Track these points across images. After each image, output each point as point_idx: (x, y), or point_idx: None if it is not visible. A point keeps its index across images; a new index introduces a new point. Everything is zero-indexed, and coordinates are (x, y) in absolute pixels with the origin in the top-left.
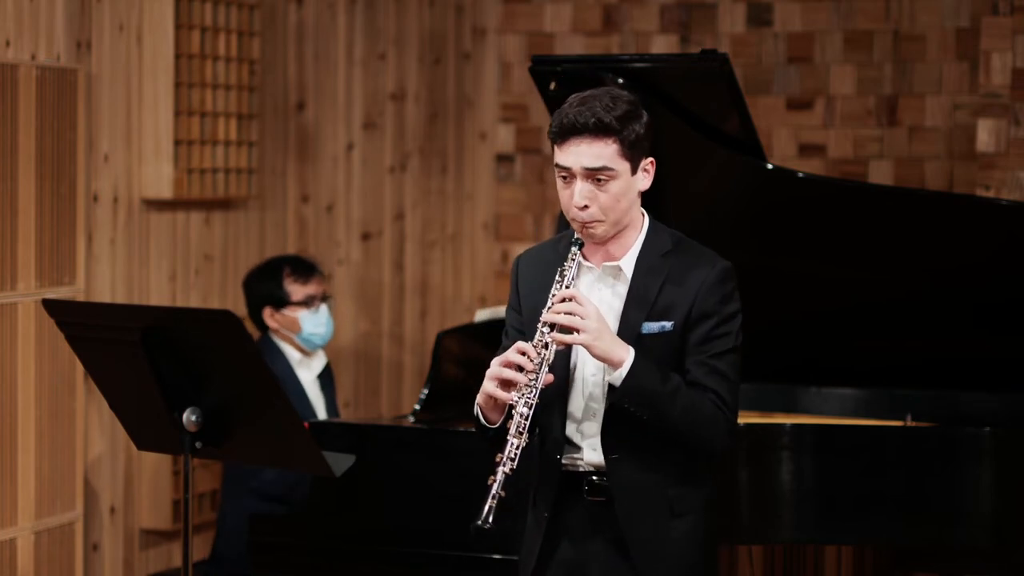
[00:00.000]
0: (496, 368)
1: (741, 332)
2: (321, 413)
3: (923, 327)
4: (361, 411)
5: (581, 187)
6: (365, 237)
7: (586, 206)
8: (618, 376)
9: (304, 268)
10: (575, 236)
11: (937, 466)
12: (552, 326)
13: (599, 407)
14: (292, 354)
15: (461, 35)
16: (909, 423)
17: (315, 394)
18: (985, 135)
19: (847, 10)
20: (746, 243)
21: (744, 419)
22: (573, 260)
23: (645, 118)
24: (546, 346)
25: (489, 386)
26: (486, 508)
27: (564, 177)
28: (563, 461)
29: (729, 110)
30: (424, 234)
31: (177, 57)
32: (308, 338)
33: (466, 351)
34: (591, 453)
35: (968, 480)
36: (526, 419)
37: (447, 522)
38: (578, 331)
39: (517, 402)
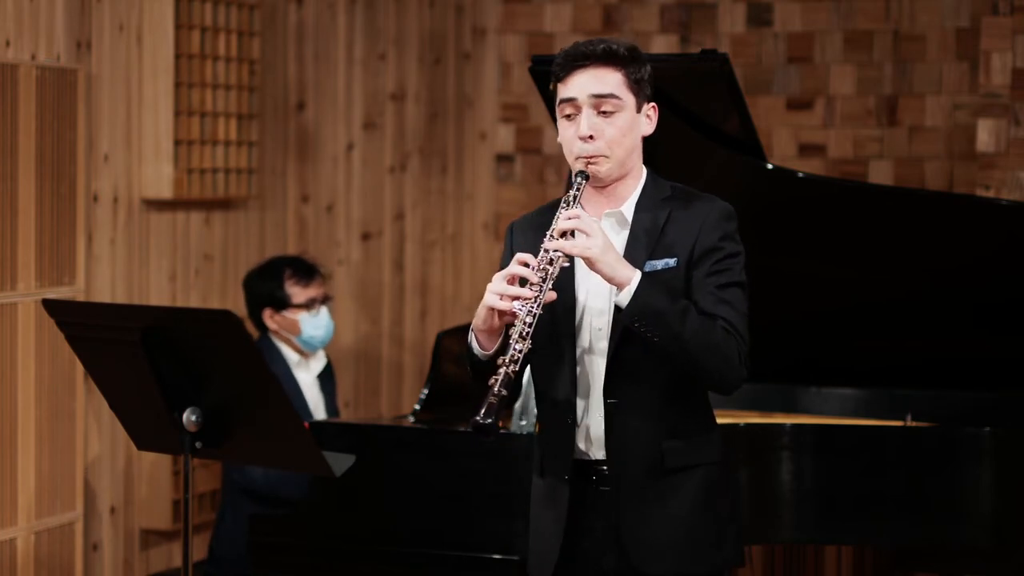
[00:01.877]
0: (499, 283)
1: (744, 272)
2: (320, 413)
3: (923, 327)
4: (361, 411)
5: (587, 116)
6: (365, 237)
7: (591, 136)
8: (625, 295)
9: (306, 270)
10: (579, 169)
11: (937, 466)
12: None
13: (603, 364)
14: (290, 356)
15: (461, 35)
16: (909, 423)
17: (314, 395)
18: (985, 135)
19: (847, 10)
20: (746, 243)
21: (744, 419)
22: (579, 190)
23: (648, 67)
24: (551, 261)
25: (490, 299)
26: (486, 404)
27: (568, 116)
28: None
29: (729, 110)
30: (424, 234)
31: (177, 57)
32: (307, 340)
33: (466, 351)
34: (595, 417)
35: (968, 480)
36: (529, 326)
37: (447, 522)
38: (584, 247)
39: (520, 311)
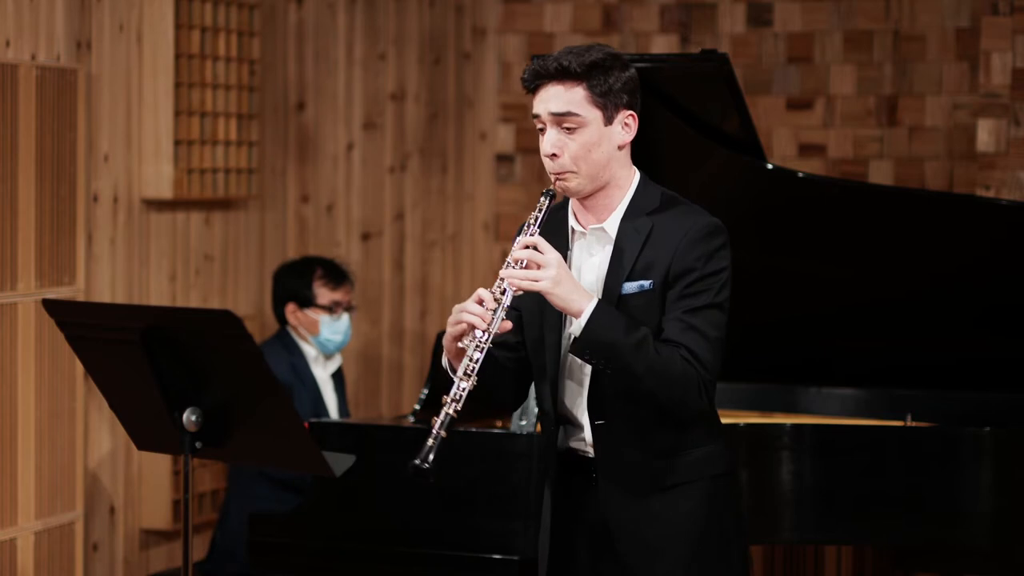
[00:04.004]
0: (455, 314)
1: (727, 290)
2: (333, 411)
3: (923, 327)
4: (361, 411)
5: (550, 134)
6: (365, 237)
7: (555, 155)
8: (578, 326)
9: (336, 274)
10: (549, 187)
11: (937, 466)
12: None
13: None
14: (308, 351)
15: (461, 35)
16: (909, 423)
17: (328, 392)
18: (985, 135)
19: (847, 10)
20: (746, 243)
21: (744, 419)
22: (541, 211)
23: (627, 72)
24: (503, 292)
25: (450, 331)
26: (426, 447)
27: (541, 129)
28: (570, 444)
29: (729, 110)
30: (424, 234)
31: (177, 57)
32: (323, 342)
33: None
34: (588, 430)
35: (968, 480)
36: (476, 363)
37: (447, 522)
38: (534, 280)
39: (468, 345)
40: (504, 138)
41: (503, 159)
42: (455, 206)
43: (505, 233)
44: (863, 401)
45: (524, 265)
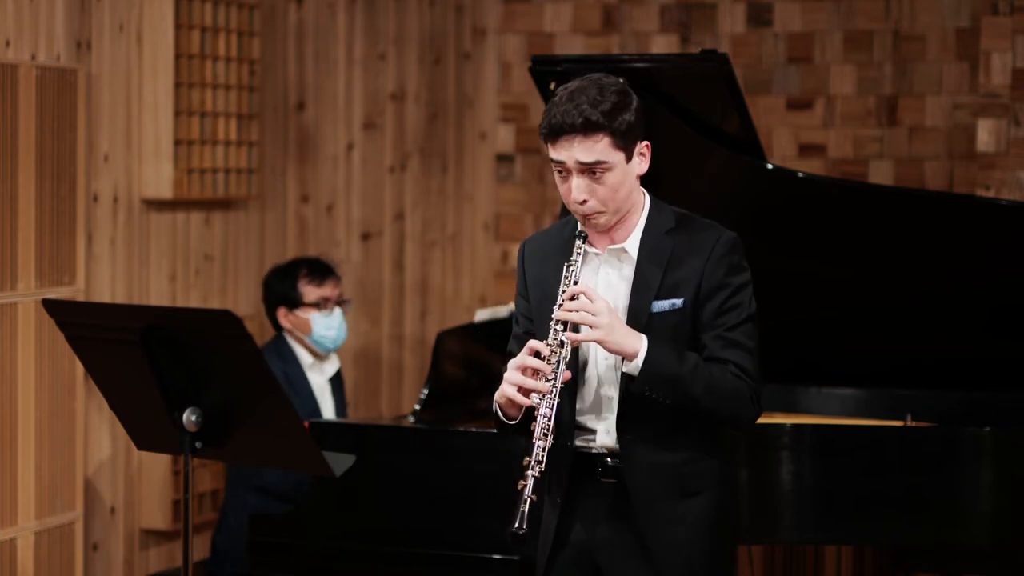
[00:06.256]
0: (514, 374)
1: (754, 301)
2: (329, 416)
3: (923, 327)
4: (361, 411)
5: (578, 182)
6: (365, 237)
7: (585, 200)
8: (635, 367)
9: (320, 270)
10: (579, 229)
11: (937, 466)
12: (565, 324)
13: (612, 392)
14: (304, 357)
15: (461, 35)
16: (909, 423)
17: (326, 397)
18: (985, 135)
19: (847, 10)
20: (746, 243)
21: None
22: (579, 253)
23: (635, 103)
24: (561, 344)
25: (509, 391)
26: (519, 513)
27: (560, 172)
28: (576, 443)
29: (729, 110)
30: (424, 234)
31: (177, 57)
32: (318, 340)
33: (466, 351)
34: (604, 436)
35: (968, 480)
36: (550, 419)
37: (447, 522)
38: (590, 327)
39: (539, 404)
40: (504, 138)
41: (503, 159)
42: (455, 206)
43: (505, 233)
44: (863, 401)
45: (572, 321)
